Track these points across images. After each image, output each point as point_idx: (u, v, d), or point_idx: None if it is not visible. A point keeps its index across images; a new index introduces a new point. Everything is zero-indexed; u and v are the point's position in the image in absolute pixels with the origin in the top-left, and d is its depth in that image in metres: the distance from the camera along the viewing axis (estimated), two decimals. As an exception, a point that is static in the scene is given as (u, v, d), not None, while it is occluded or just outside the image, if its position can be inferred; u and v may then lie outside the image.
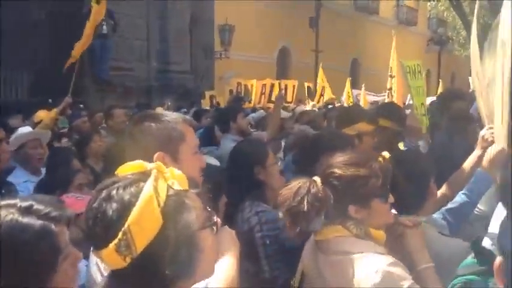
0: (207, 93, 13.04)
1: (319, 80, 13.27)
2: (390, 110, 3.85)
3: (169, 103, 10.30)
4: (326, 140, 2.74)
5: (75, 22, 7.70)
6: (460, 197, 2.50)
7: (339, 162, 1.89)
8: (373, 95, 15.07)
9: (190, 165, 1.77)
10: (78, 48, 7.15)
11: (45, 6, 12.06)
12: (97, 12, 7.27)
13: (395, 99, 8.10)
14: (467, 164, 2.60)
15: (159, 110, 8.75)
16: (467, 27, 19.47)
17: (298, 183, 1.84)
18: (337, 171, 1.86)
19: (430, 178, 2.23)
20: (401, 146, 2.36)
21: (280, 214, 1.83)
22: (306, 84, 13.79)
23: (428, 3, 28.52)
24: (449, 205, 2.50)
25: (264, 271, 2.49)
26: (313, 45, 22.74)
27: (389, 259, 1.79)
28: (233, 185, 2.58)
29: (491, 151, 2.41)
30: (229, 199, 2.45)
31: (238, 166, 2.71)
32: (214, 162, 2.92)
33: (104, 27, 11.33)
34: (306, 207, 1.77)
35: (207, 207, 1.29)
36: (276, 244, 2.42)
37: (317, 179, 1.86)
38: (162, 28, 14.44)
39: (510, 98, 2.33)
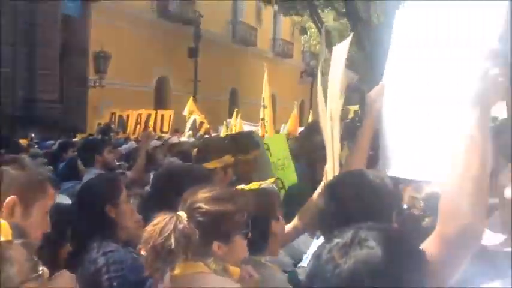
0: (79, 136, 12.37)
1: (187, 111, 13.16)
2: (235, 142, 3.78)
3: (33, 135, 9.70)
4: (186, 175, 2.68)
5: None
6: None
7: (205, 198, 1.86)
8: (250, 125, 15.40)
9: (35, 224, 1.74)
10: None
11: None
12: None
13: (267, 130, 8.34)
14: (315, 195, 2.58)
15: (23, 141, 8.24)
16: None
17: (163, 219, 1.77)
18: (204, 206, 1.83)
19: (269, 219, 2.23)
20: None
21: (143, 252, 1.75)
22: (194, 118, 13.57)
23: (302, 37, 30.07)
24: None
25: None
26: (193, 75, 22.89)
27: None
28: (82, 224, 2.47)
29: None
30: (77, 239, 2.34)
31: (88, 204, 2.58)
32: (66, 200, 2.78)
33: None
34: (173, 244, 1.71)
35: (33, 257, 1.23)
36: (123, 285, 2.32)
37: (182, 214, 1.81)
38: (30, 56, 13.75)
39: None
